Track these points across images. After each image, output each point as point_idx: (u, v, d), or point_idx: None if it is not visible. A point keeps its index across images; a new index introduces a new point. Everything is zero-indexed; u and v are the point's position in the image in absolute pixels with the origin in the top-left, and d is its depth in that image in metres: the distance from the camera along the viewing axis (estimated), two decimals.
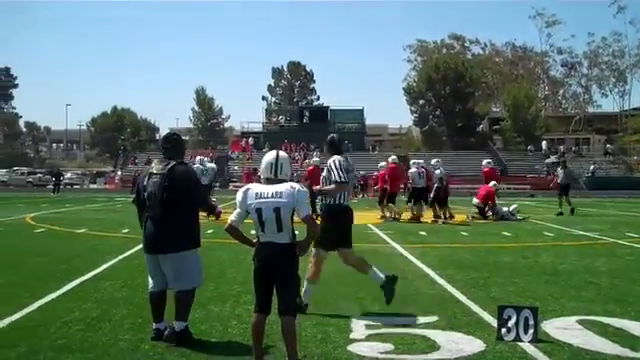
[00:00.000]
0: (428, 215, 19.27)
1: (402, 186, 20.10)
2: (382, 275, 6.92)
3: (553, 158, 54.44)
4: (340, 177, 6.83)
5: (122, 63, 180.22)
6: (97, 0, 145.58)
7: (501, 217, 19.70)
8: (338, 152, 7.12)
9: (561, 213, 21.89)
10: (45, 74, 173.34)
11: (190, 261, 5.58)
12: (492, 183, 20.78)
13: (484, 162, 22.65)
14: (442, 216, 19.05)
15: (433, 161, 20.49)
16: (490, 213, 19.84)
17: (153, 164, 5.75)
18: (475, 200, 20.63)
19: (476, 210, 20.44)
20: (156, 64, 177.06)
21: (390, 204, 19.73)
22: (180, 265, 5.51)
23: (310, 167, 20.87)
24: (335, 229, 6.82)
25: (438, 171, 19.32)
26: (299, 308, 6.34)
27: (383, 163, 20.90)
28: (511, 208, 20.62)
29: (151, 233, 5.54)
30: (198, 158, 21.03)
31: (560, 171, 24.07)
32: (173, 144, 5.84)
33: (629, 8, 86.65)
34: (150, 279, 5.74)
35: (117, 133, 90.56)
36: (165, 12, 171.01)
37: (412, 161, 21.09)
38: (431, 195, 19.09)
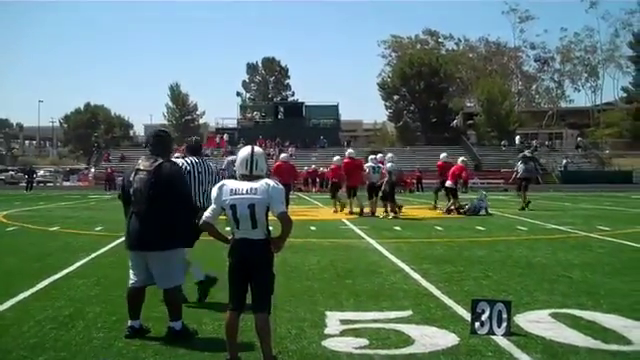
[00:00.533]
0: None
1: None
2: (203, 274, 7.03)
3: (527, 152, 54.81)
4: None
5: (96, 60, 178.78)
6: None
7: (473, 211, 19.78)
8: (195, 154, 7.24)
9: (526, 204, 21.84)
10: (18, 70, 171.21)
11: (177, 259, 5.59)
12: (461, 159, 21.24)
13: (441, 155, 22.30)
14: (388, 211, 19.05)
15: (388, 155, 20.74)
16: (463, 190, 19.79)
17: (140, 160, 5.70)
18: (448, 182, 20.37)
19: (448, 200, 20.48)
20: (130, 60, 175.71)
21: (350, 199, 20.01)
22: (166, 263, 5.49)
23: (278, 163, 20.87)
24: None
25: (390, 164, 19.35)
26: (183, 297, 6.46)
27: (336, 158, 21.04)
28: (478, 195, 20.85)
29: (135, 229, 5.50)
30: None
31: (520, 166, 23.20)
32: (159, 141, 5.81)
33: (601, 3, 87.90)
34: (131, 274, 5.68)
35: (90, 130, 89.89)
36: (138, 8, 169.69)
37: (370, 156, 21.27)
38: (381, 189, 19.18)
